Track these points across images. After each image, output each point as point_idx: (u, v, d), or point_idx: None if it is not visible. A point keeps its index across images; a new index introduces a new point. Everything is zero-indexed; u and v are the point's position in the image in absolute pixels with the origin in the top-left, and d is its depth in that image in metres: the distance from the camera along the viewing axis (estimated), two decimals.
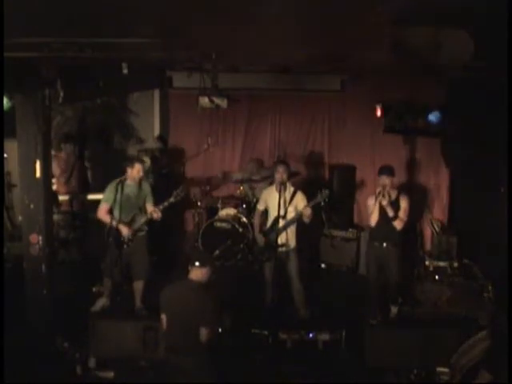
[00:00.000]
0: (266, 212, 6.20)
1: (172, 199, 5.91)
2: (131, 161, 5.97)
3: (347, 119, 8.22)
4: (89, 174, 8.05)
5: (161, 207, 5.90)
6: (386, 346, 5.03)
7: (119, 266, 5.88)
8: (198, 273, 4.28)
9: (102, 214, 5.85)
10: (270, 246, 5.87)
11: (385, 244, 5.87)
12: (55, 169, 7.32)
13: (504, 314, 4.34)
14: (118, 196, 5.74)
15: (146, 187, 6.04)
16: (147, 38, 3.92)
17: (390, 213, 5.74)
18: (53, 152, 6.49)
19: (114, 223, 5.76)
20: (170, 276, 6.10)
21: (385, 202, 5.72)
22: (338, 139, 8.35)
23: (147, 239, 6.08)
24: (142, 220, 5.93)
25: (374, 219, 5.91)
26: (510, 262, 4.67)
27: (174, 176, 8.16)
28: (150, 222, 6.02)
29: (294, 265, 5.94)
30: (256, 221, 6.30)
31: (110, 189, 5.83)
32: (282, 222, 5.79)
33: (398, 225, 5.77)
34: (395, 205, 5.79)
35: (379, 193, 5.79)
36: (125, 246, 5.88)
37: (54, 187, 7.21)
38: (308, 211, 5.72)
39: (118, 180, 5.85)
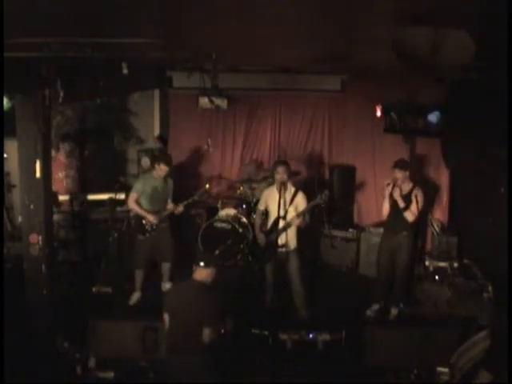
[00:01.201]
0: (266, 212, 6.20)
1: (196, 197, 6.66)
2: (158, 160, 6.32)
3: (347, 119, 8.21)
4: (89, 174, 8.03)
5: (185, 203, 6.51)
6: (386, 346, 5.03)
7: (146, 254, 6.35)
8: (202, 273, 4.29)
9: (131, 202, 6.28)
10: (270, 247, 5.87)
11: (398, 234, 6.03)
12: (53, 169, 7.32)
13: (504, 314, 4.34)
14: (147, 188, 6.23)
15: (170, 183, 6.48)
16: (147, 38, 3.92)
17: (401, 204, 5.92)
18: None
19: (141, 211, 6.22)
20: None
21: (396, 194, 5.92)
22: (338, 139, 8.35)
23: (171, 228, 6.55)
24: (165, 212, 6.39)
25: (384, 210, 6.12)
26: (510, 261, 4.67)
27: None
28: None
29: (294, 266, 5.92)
30: (257, 220, 6.30)
31: (141, 180, 6.35)
32: (282, 223, 5.78)
33: (408, 216, 5.93)
34: (408, 197, 5.94)
35: (388, 184, 6.01)
36: (147, 235, 6.28)
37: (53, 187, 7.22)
38: (298, 221, 5.77)
39: (147, 173, 6.40)
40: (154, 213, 6.28)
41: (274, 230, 5.80)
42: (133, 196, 6.26)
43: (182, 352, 4.19)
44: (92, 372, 5.07)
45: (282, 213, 5.72)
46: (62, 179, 7.36)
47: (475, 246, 6.93)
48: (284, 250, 5.82)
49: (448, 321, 5.79)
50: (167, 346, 4.38)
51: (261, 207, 6.22)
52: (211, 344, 4.19)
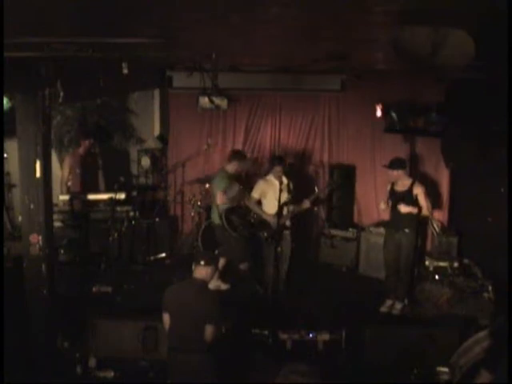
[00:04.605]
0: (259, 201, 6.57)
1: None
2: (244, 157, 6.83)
3: (347, 119, 8.21)
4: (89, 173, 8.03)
5: None
6: (386, 346, 5.03)
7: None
8: (202, 271, 4.30)
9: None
10: (278, 230, 6.17)
11: (401, 231, 6.22)
12: (73, 167, 7.37)
13: (504, 314, 4.34)
14: None
15: None
16: (147, 38, 3.93)
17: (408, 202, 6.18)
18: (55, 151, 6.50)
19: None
20: None
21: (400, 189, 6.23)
22: (337, 139, 8.34)
23: None
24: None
25: (380, 206, 6.54)
26: (510, 261, 4.67)
27: None
28: None
29: (288, 243, 6.47)
30: (255, 207, 6.54)
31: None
32: (285, 209, 6.32)
33: (425, 212, 6.18)
34: (409, 193, 6.16)
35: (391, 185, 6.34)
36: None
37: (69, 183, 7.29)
38: (307, 204, 6.44)
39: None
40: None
41: (280, 215, 6.18)
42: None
43: (184, 351, 4.19)
44: (92, 372, 5.07)
45: (285, 199, 6.27)
46: (79, 175, 7.37)
47: (475, 246, 6.93)
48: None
49: (448, 321, 5.79)
50: (169, 345, 4.37)
51: (256, 195, 6.53)
52: (213, 342, 4.20)
